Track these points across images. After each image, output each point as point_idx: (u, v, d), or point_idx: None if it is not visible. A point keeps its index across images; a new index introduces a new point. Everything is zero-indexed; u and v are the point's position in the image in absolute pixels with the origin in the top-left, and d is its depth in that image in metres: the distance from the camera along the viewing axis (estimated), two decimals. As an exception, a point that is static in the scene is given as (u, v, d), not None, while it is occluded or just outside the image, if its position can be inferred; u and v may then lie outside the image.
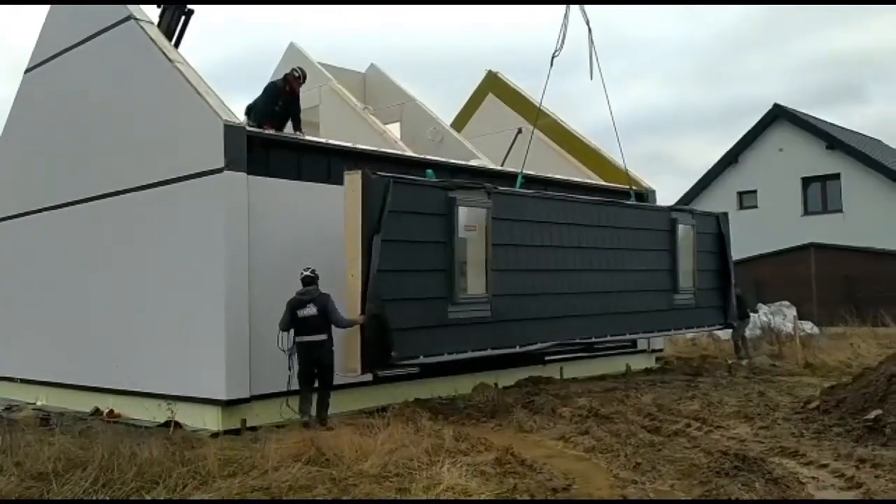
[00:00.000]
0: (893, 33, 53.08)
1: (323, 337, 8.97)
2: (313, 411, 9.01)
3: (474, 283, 10.07)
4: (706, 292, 14.42)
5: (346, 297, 9.03)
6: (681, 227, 13.74)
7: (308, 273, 9.09)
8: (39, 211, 12.98)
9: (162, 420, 9.45)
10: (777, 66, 57.32)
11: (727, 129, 58.56)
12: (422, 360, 9.61)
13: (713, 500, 6.19)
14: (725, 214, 15.62)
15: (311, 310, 8.93)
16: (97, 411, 10.73)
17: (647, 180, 16.19)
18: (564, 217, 11.66)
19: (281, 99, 10.85)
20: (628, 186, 14.43)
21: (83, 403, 11.11)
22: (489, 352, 10.32)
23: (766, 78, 57.07)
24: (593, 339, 12.37)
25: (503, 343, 10.50)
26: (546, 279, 11.22)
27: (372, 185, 8.97)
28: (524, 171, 12.58)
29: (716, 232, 14.97)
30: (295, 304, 9.00)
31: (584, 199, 12.69)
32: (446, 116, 17.50)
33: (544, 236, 11.27)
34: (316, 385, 9.09)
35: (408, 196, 9.32)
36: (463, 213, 9.90)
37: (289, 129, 10.97)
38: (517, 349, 10.74)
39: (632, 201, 13.96)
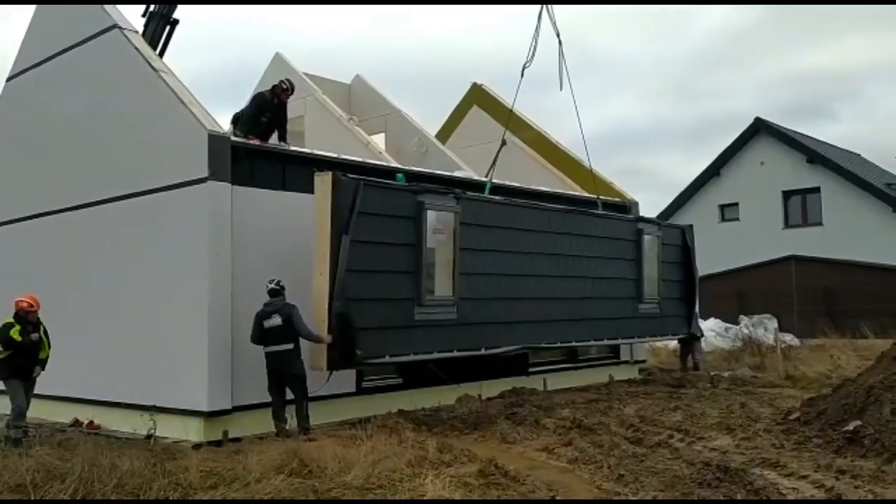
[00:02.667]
0: (856, 56, 54.46)
1: (288, 347, 8.98)
2: (292, 422, 8.99)
3: (441, 285, 10.16)
4: (670, 302, 14.66)
5: (313, 295, 9.05)
6: (646, 238, 13.96)
7: (273, 286, 9.16)
8: (20, 220, 12.86)
9: (143, 432, 9.36)
10: (746, 84, 58.60)
11: (700, 144, 59.78)
12: (387, 359, 9.68)
13: (702, 500, 6.24)
14: (690, 227, 15.97)
15: (275, 320, 8.99)
16: (76, 422, 10.62)
17: (627, 194, 16.36)
18: (532, 224, 11.79)
19: (268, 110, 10.83)
20: (596, 196, 14.59)
21: (62, 414, 10.98)
22: (454, 353, 10.40)
23: (736, 95, 58.34)
24: (559, 344, 12.55)
25: (469, 345, 10.58)
26: (512, 284, 11.32)
27: (342, 187, 9.06)
28: (492, 180, 12.74)
29: (681, 244, 15.23)
30: (261, 316, 9.08)
31: (552, 206, 12.84)
32: (431, 128, 17.58)
33: (512, 242, 11.37)
34: (290, 397, 9.09)
35: (377, 198, 9.42)
36: (431, 216, 9.98)
37: (274, 139, 10.95)
38: (482, 351, 10.81)
39: (600, 210, 14.10)
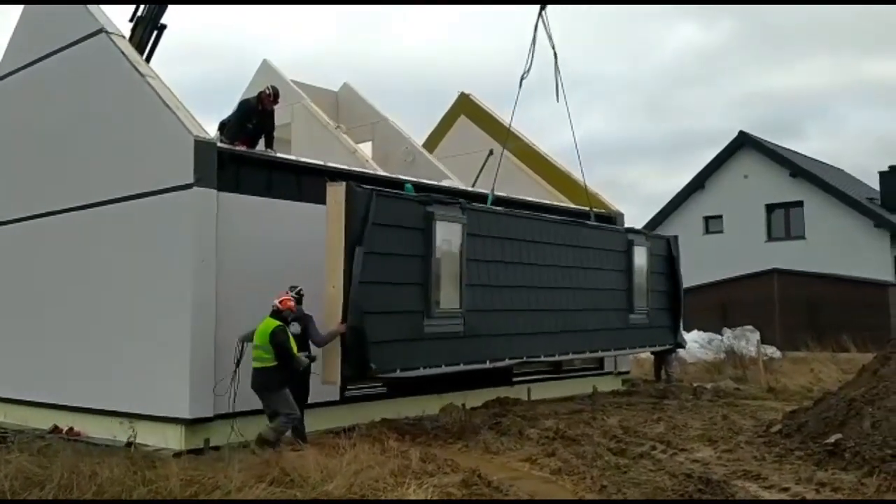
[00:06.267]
0: (821, 77, 55.58)
1: None
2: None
3: (448, 297, 10.11)
4: (658, 312, 14.76)
5: (325, 307, 9.00)
6: (636, 249, 14.08)
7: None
8: (2, 224, 12.72)
9: (123, 439, 9.26)
10: (716, 103, 59.85)
11: (673, 159, 60.89)
12: (398, 373, 9.57)
13: (689, 500, 6.26)
14: (676, 238, 16.06)
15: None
16: (56, 429, 10.48)
17: (612, 205, 16.45)
18: (533, 235, 11.82)
19: (254, 116, 10.81)
20: (588, 208, 14.68)
21: (42, 421, 10.86)
22: (461, 367, 10.35)
23: (706, 114, 59.57)
24: (557, 357, 12.55)
25: (474, 358, 10.55)
26: (514, 296, 11.32)
27: (355, 197, 8.99)
28: (494, 192, 12.73)
29: (666, 254, 15.37)
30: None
31: (550, 217, 12.91)
32: (418, 137, 17.60)
33: (513, 253, 11.38)
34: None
35: (388, 209, 9.37)
36: (440, 227, 9.97)
37: (261, 146, 10.93)
38: (487, 364, 10.78)
39: (592, 222, 14.17)
